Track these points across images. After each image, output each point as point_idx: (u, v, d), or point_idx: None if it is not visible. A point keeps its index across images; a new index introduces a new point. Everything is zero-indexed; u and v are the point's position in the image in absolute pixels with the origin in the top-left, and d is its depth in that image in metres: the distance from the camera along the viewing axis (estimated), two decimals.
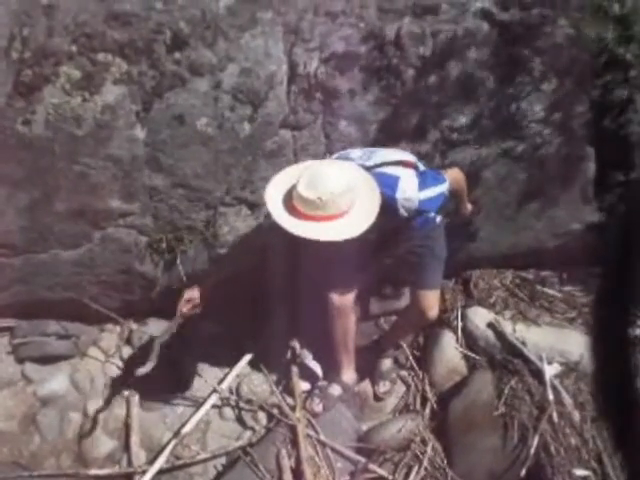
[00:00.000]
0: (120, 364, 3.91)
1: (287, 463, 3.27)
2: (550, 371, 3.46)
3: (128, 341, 3.96)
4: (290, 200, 2.76)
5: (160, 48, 3.01)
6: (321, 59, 3.20)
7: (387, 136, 3.37)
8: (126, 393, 3.77)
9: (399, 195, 2.82)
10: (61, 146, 3.10)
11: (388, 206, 2.80)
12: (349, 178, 2.75)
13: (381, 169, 2.93)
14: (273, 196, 2.83)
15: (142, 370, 3.31)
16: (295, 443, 3.34)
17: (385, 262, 3.49)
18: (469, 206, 3.45)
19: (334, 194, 2.67)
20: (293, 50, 3.19)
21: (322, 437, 3.41)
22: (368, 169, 2.91)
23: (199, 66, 3.08)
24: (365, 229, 2.70)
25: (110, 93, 3.05)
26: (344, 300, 3.24)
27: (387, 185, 2.83)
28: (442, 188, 2.95)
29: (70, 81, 3.01)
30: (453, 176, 3.11)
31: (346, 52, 3.21)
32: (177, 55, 3.04)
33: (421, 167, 3.07)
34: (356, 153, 3.04)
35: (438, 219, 3.08)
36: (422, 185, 2.88)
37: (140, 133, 3.16)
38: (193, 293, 3.22)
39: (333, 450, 3.39)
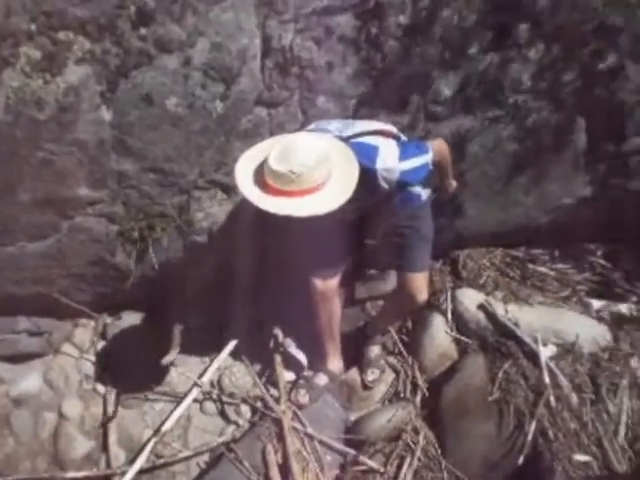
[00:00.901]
0: (95, 360, 3.81)
1: (273, 458, 3.17)
2: (545, 353, 3.40)
3: (103, 336, 3.86)
4: (262, 175, 2.59)
5: (124, 24, 2.82)
6: (296, 31, 3.04)
7: (368, 111, 3.26)
8: (102, 390, 3.69)
9: (379, 165, 2.65)
10: (23, 131, 2.92)
11: (367, 178, 2.63)
12: (323, 149, 2.58)
13: (359, 139, 2.76)
14: (243, 172, 2.66)
15: (168, 358, 3.37)
16: (281, 437, 3.24)
17: (369, 244, 3.37)
18: (453, 182, 3.27)
19: (307, 167, 2.49)
20: (266, 23, 3.02)
21: (309, 430, 3.33)
22: (345, 140, 2.74)
23: (167, 42, 2.90)
24: (341, 204, 2.52)
25: (73, 74, 2.87)
26: (327, 284, 3.13)
27: (366, 155, 2.65)
28: (425, 159, 2.77)
29: (30, 63, 2.82)
30: (437, 147, 2.92)
31: (323, 23, 3.04)
32: (143, 31, 2.86)
33: (402, 137, 2.92)
34: (333, 124, 2.88)
35: (424, 197, 2.93)
36: (403, 155, 2.71)
37: (106, 115, 3.01)
38: None
39: (321, 443, 3.31)
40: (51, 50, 2.81)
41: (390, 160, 2.67)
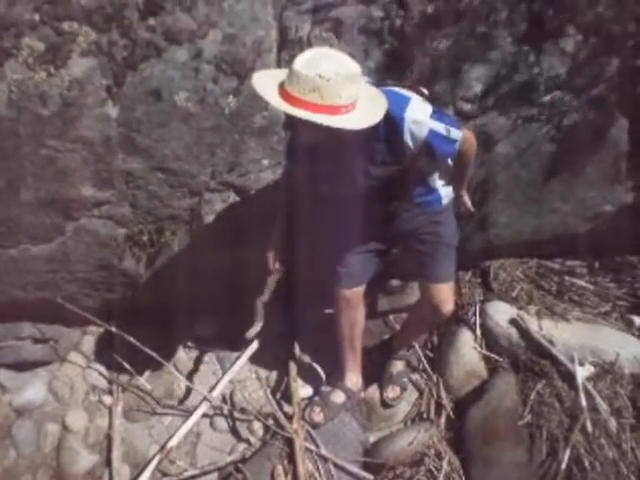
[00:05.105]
0: (103, 370, 3.75)
1: None
2: (582, 373, 3.24)
3: (111, 344, 3.77)
4: (282, 86, 2.26)
5: (132, 14, 2.77)
6: (315, 22, 2.98)
7: None
8: (109, 402, 3.63)
9: (408, 114, 2.42)
10: (26, 127, 2.86)
11: (393, 130, 2.44)
12: (357, 70, 2.30)
13: (392, 88, 2.55)
14: (261, 82, 2.36)
15: (252, 331, 3.25)
16: (292, 458, 3.11)
17: (392, 254, 3.25)
18: (467, 199, 3.10)
19: (339, 75, 2.17)
20: (284, 13, 2.97)
21: (323, 451, 3.19)
22: (378, 86, 2.53)
23: (176, 33, 2.83)
24: (370, 124, 2.27)
25: (78, 66, 2.81)
26: (354, 291, 3.04)
27: (396, 103, 2.43)
28: (456, 134, 2.55)
29: (33, 54, 2.77)
30: (467, 136, 2.71)
31: (343, 13, 2.97)
32: (151, 21, 2.80)
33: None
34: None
35: (445, 200, 2.80)
36: (436, 116, 2.49)
37: (112, 111, 2.93)
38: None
39: (336, 466, 3.17)
40: (55, 41, 2.78)
41: (421, 113, 2.45)
